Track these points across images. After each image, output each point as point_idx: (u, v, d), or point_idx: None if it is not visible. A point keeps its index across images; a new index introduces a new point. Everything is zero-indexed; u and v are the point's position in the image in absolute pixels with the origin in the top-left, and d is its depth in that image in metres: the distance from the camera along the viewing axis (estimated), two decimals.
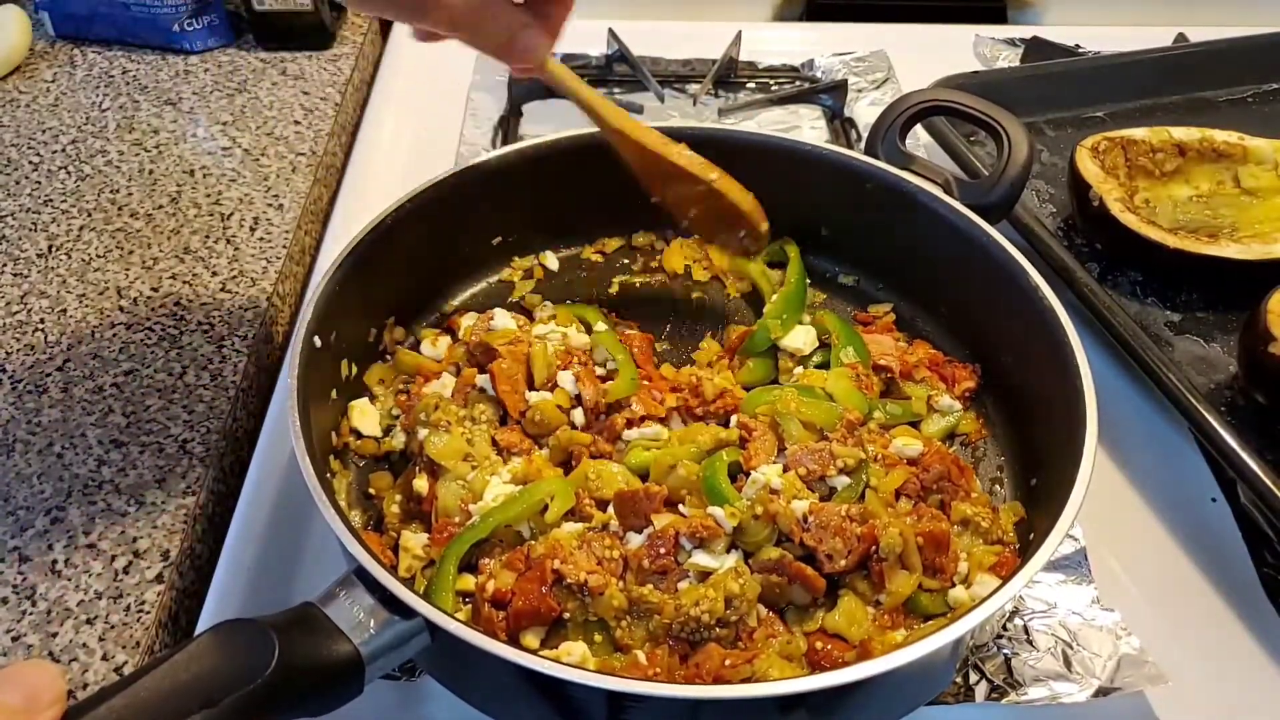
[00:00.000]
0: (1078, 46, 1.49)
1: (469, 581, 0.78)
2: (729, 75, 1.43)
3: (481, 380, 0.89)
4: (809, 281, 1.04)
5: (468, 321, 0.97)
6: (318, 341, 0.83)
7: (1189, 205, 1.19)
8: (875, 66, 1.46)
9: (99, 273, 1.10)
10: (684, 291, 1.08)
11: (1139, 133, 1.20)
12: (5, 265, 1.11)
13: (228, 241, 1.14)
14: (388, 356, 0.97)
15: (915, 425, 0.92)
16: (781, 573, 0.76)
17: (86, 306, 1.06)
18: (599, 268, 1.10)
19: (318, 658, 0.62)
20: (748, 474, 0.81)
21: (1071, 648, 0.80)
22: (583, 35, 1.30)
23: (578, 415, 0.88)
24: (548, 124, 1.31)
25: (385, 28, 1.57)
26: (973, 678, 0.79)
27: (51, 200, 1.19)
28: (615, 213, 1.09)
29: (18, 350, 1.01)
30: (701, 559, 0.76)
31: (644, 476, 0.84)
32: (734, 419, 0.87)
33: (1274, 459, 0.89)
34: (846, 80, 1.41)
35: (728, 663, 0.72)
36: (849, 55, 1.47)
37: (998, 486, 0.90)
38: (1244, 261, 1.06)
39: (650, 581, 0.76)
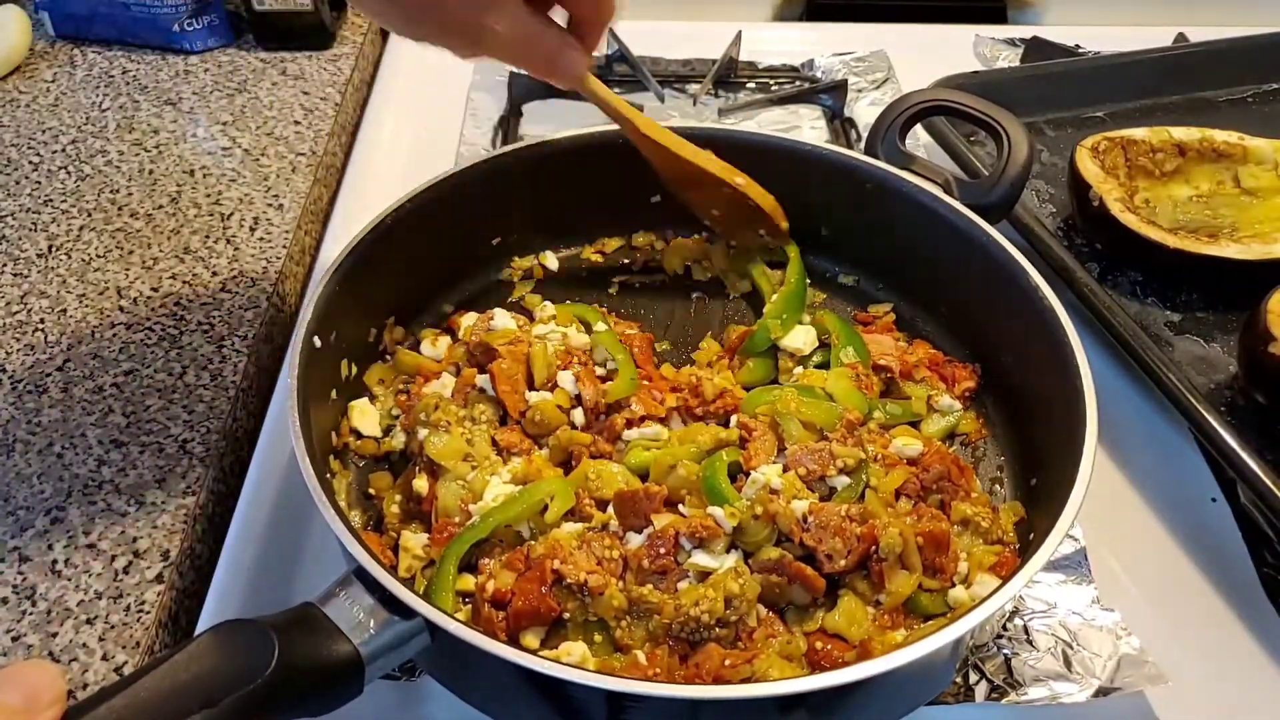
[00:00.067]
0: (1078, 46, 1.49)
1: (469, 581, 0.78)
2: (729, 75, 1.43)
3: (481, 380, 0.89)
4: (809, 281, 1.04)
5: (468, 321, 0.97)
6: (318, 341, 0.83)
7: (1189, 205, 1.19)
8: (875, 66, 1.46)
9: (99, 273, 1.10)
10: (684, 291, 1.08)
11: (1139, 133, 1.20)
12: (5, 265, 1.11)
13: (228, 241, 1.14)
14: (388, 356, 0.97)
15: (915, 425, 0.91)
16: (781, 573, 0.76)
17: (86, 306, 1.06)
18: (599, 268, 1.09)
19: (318, 658, 0.62)
20: (748, 474, 0.81)
21: (1071, 648, 0.80)
22: None
23: (578, 415, 0.88)
24: (548, 124, 1.31)
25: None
26: (973, 678, 0.79)
27: (51, 200, 1.19)
28: (615, 213, 1.09)
29: (18, 350, 1.01)
30: (701, 559, 0.76)
31: (644, 476, 0.84)
32: (734, 419, 0.87)
33: (1274, 459, 0.89)
34: (846, 80, 1.41)
35: (728, 663, 0.72)
36: (849, 55, 1.47)
37: (998, 486, 0.90)
38: (1244, 261, 1.06)
39: (650, 581, 0.76)
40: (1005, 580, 0.73)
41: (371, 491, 0.88)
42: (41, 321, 1.04)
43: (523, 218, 1.06)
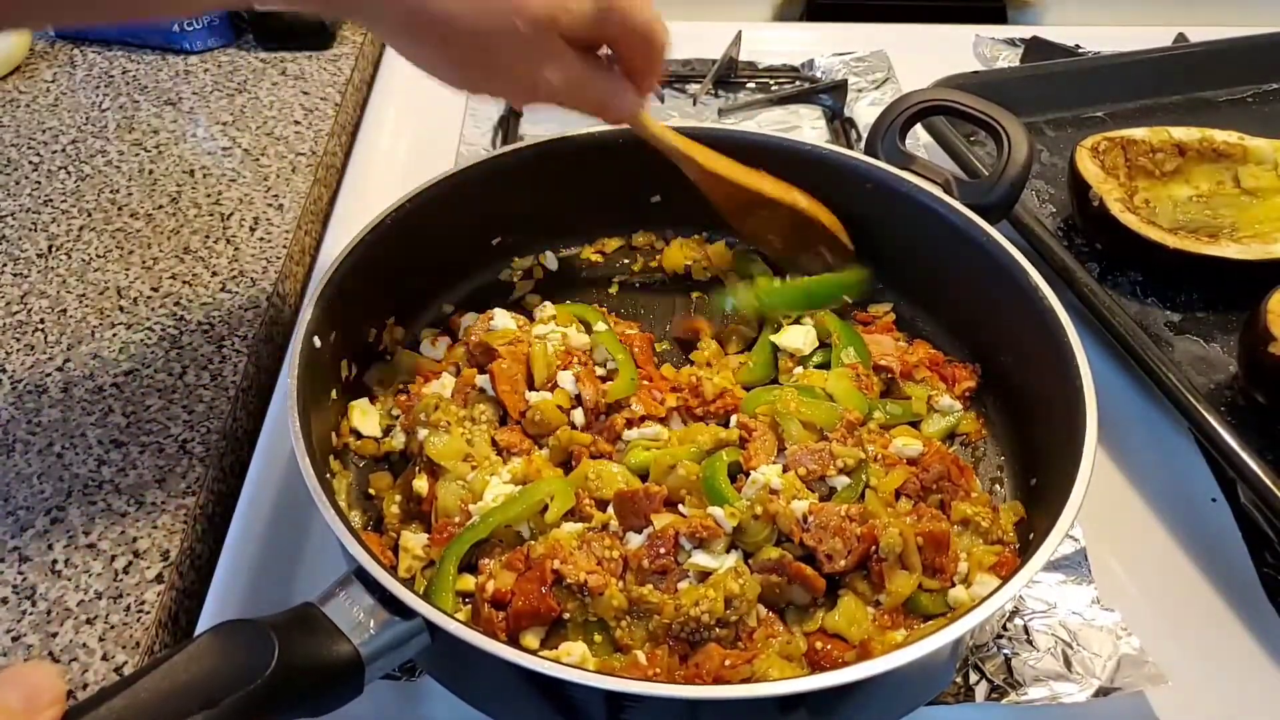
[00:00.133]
0: (1078, 46, 1.49)
1: (469, 581, 0.78)
2: (729, 75, 1.43)
3: (481, 380, 0.89)
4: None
5: (468, 321, 0.97)
6: (318, 341, 0.83)
7: (1189, 205, 1.19)
8: (875, 66, 1.46)
9: (99, 273, 1.10)
10: (684, 291, 1.08)
11: (1139, 133, 1.20)
12: (5, 265, 1.11)
13: (228, 241, 1.14)
14: (388, 356, 0.97)
15: (915, 425, 0.91)
16: (781, 573, 0.76)
17: (86, 306, 1.06)
18: (599, 268, 1.09)
19: (318, 658, 0.62)
20: (748, 474, 0.81)
21: (1071, 648, 0.80)
22: None
23: (578, 415, 0.88)
24: (548, 124, 1.31)
25: None
26: (973, 678, 0.79)
27: (51, 200, 1.19)
28: (615, 213, 1.09)
29: (18, 350, 1.01)
30: (701, 559, 0.76)
31: (644, 476, 0.84)
32: (734, 419, 0.87)
33: (1274, 459, 0.89)
34: (846, 80, 1.41)
35: (728, 663, 0.72)
36: (849, 55, 1.47)
37: (998, 486, 0.90)
38: (1244, 261, 1.06)
39: (650, 581, 0.76)
40: (1005, 580, 0.73)
41: (371, 491, 0.88)
42: (41, 321, 1.04)
43: (523, 218, 1.06)
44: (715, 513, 0.77)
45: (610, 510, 0.81)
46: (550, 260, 1.09)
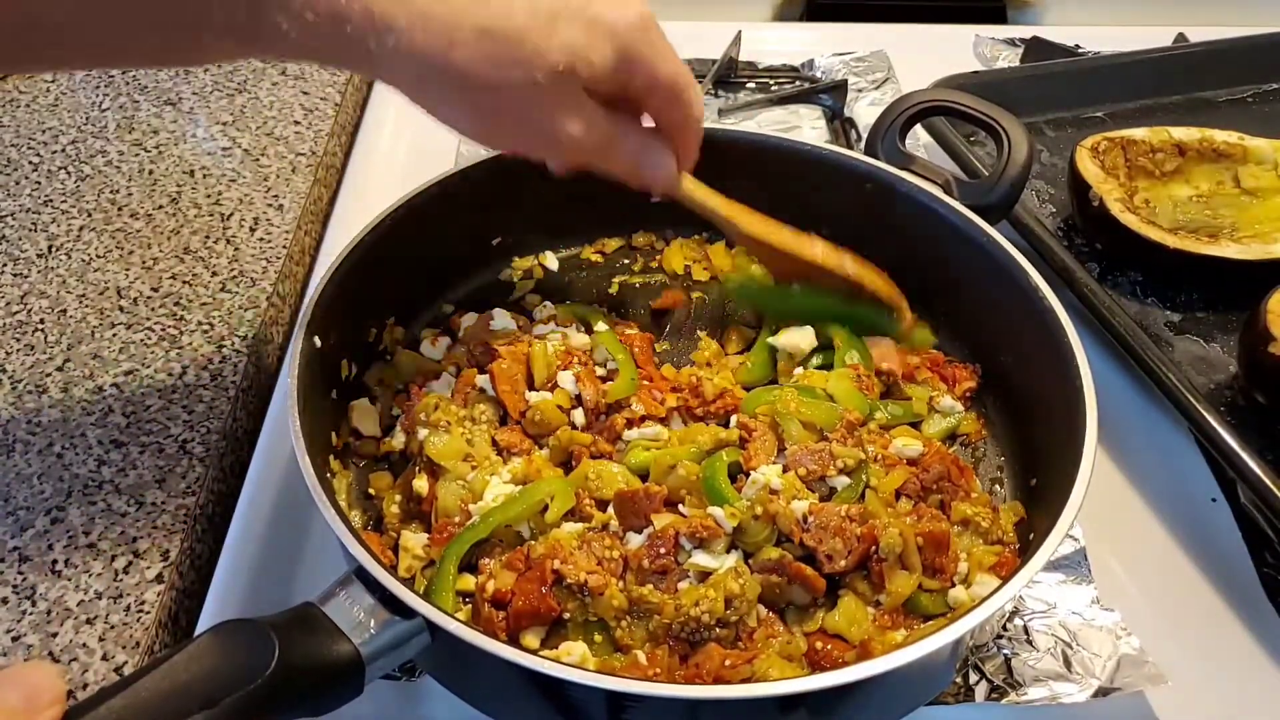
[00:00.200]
0: (1078, 46, 1.49)
1: (469, 581, 0.78)
2: (729, 75, 1.43)
3: (481, 380, 0.89)
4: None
5: (468, 321, 0.97)
6: (318, 341, 0.83)
7: (1189, 205, 1.19)
8: (875, 66, 1.46)
9: (99, 273, 1.10)
10: (684, 291, 1.08)
11: (1139, 133, 1.20)
12: (5, 265, 1.11)
13: (228, 241, 1.14)
14: (388, 356, 0.97)
15: (916, 426, 0.91)
16: (781, 573, 0.76)
17: (86, 306, 1.06)
18: (599, 268, 1.10)
19: (318, 658, 0.62)
20: (748, 474, 0.81)
21: (1071, 648, 0.80)
22: None
23: (578, 415, 0.88)
24: None
25: None
26: (973, 678, 0.79)
27: (51, 200, 1.19)
28: (615, 213, 1.09)
29: (18, 350, 1.01)
30: (701, 559, 0.76)
31: (644, 476, 0.84)
32: (734, 419, 0.87)
33: (1274, 459, 0.89)
34: (846, 80, 1.41)
35: (728, 663, 0.72)
36: (849, 55, 1.47)
37: (998, 486, 0.90)
38: (1244, 261, 1.06)
39: (650, 581, 0.76)
40: (1005, 580, 0.73)
41: (371, 491, 0.88)
42: (41, 321, 1.04)
43: (523, 218, 1.06)
44: (715, 513, 0.77)
45: (610, 510, 0.81)
46: (550, 260, 1.09)
